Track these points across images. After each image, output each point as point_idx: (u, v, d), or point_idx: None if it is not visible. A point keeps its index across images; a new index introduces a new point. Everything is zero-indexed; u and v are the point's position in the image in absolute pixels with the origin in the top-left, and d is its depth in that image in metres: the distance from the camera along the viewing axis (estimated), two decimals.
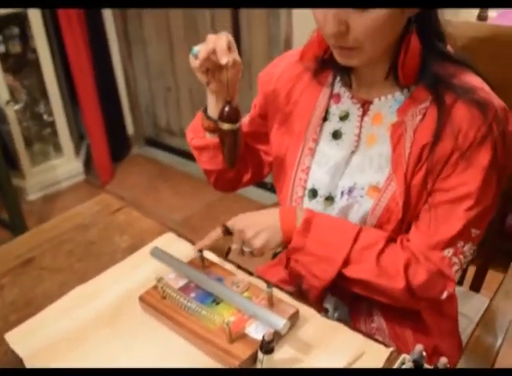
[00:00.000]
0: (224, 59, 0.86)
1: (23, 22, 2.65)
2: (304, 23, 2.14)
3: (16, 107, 2.73)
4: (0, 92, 2.58)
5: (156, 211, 2.68)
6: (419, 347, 0.69)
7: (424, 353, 0.69)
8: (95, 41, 2.81)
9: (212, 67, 0.92)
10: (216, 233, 0.97)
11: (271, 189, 1.65)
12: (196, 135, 1.06)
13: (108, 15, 2.90)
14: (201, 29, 2.57)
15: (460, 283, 1.31)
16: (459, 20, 1.57)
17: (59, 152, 3.00)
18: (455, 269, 0.89)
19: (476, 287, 1.32)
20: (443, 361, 0.67)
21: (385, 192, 0.90)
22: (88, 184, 3.03)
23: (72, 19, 2.62)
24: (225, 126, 0.91)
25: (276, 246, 0.94)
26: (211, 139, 1.03)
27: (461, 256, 0.89)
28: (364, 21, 0.78)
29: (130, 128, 3.28)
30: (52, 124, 2.94)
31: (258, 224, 0.93)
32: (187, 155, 3.09)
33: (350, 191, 0.94)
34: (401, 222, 0.90)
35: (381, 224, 0.92)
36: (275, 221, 0.93)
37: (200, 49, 0.88)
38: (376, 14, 0.77)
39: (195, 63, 0.91)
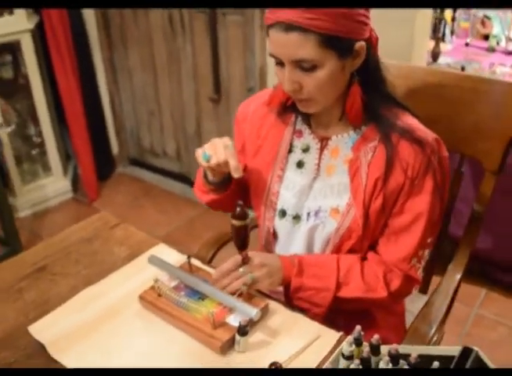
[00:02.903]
0: (237, 175, 1.04)
1: (15, 50, 2.82)
2: None
3: (9, 130, 2.89)
4: None
5: (140, 227, 2.82)
6: (358, 328, 0.90)
7: (362, 333, 0.90)
8: (83, 68, 3.00)
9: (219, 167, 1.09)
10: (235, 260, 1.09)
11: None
12: (203, 190, 1.26)
13: (95, 44, 3.11)
14: (183, 59, 2.79)
15: None
16: (412, 65, 1.82)
17: (48, 171, 3.16)
18: (419, 271, 1.15)
19: (423, 289, 1.54)
20: (376, 337, 0.88)
21: (347, 215, 1.11)
22: (75, 202, 3.20)
23: (62, 48, 2.81)
24: (237, 223, 1.06)
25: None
26: (214, 195, 1.23)
27: (422, 261, 1.15)
28: (312, 80, 1.01)
29: (115, 149, 3.47)
30: (41, 145, 3.10)
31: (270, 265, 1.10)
32: (169, 174, 3.29)
33: (316, 213, 1.15)
34: (361, 238, 1.13)
35: (343, 240, 1.14)
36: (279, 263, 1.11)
37: (212, 156, 1.06)
38: (321, 74, 1.00)
39: (204, 164, 1.08)
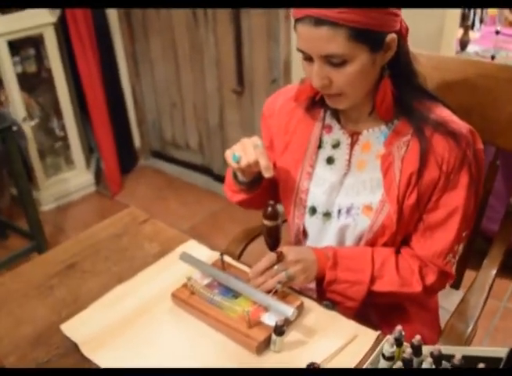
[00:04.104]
0: (268, 174, 1.01)
1: (38, 44, 2.82)
2: None
3: (32, 123, 2.90)
4: (17, 109, 2.75)
5: (164, 220, 2.83)
6: (398, 327, 0.87)
7: (403, 332, 0.88)
8: (105, 60, 3.00)
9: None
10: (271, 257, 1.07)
11: None
12: (233, 190, 1.25)
13: (117, 36, 3.10)
14: (205, 49, 2.77)
15: None
16: (442, 54, 1.78)
17: (71, 165, 3.17)
18: (454, 266, 1.13)
19: (456, 285, 1.51)
20: (417, 338, 0.85)
21: (381, 212, 1.09)
22: (98, 195, 3.21)
23: (84, 41, 2.81)
24: (268, 223, 1.05)
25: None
26: (245, 195, 1.21)
27: (457, 255, 1.12)
28: (342, 75, 0.97)
29: (137, 142, 3.46)
30: (64, 139, 3.11)
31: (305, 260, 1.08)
32: (191, 167, 3.28)
33: (348, 210, 1.12)
34: (394, 234, 1.10)
35: (377, 237, 1.11)
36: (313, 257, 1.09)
37: (242, 157, 1.03)
38: (351, 68, 0.96)
39: (234, 165, 1.06)
